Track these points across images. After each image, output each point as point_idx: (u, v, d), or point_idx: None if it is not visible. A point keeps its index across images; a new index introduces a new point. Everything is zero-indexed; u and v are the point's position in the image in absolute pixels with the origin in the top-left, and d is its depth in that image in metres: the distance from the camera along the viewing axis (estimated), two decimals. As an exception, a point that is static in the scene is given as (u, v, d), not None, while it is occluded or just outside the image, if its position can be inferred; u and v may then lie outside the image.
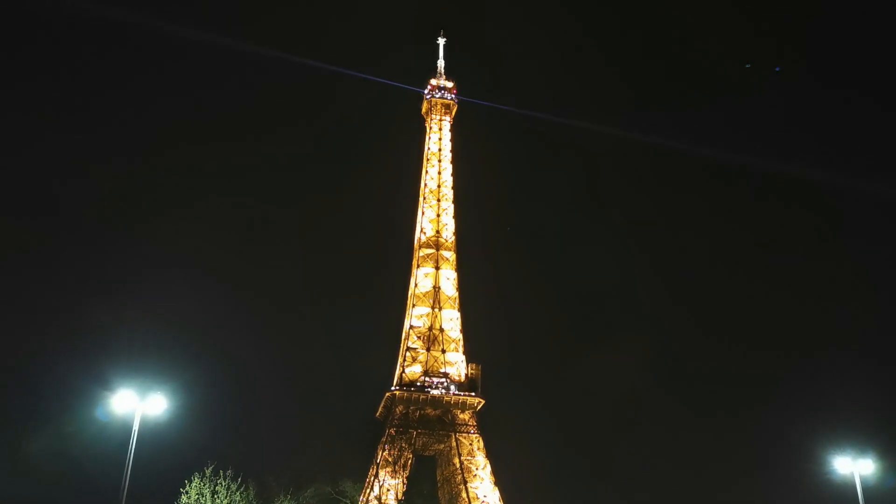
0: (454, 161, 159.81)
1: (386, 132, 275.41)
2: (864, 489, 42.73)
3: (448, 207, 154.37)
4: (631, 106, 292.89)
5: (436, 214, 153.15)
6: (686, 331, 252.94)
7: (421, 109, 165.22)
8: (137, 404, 37.48)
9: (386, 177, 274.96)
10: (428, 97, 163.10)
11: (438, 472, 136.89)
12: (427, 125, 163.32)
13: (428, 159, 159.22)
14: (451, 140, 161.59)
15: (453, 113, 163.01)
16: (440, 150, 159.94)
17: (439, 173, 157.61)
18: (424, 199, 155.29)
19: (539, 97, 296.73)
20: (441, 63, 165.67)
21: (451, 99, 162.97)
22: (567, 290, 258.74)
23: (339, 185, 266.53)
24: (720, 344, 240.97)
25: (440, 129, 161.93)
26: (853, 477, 43.18)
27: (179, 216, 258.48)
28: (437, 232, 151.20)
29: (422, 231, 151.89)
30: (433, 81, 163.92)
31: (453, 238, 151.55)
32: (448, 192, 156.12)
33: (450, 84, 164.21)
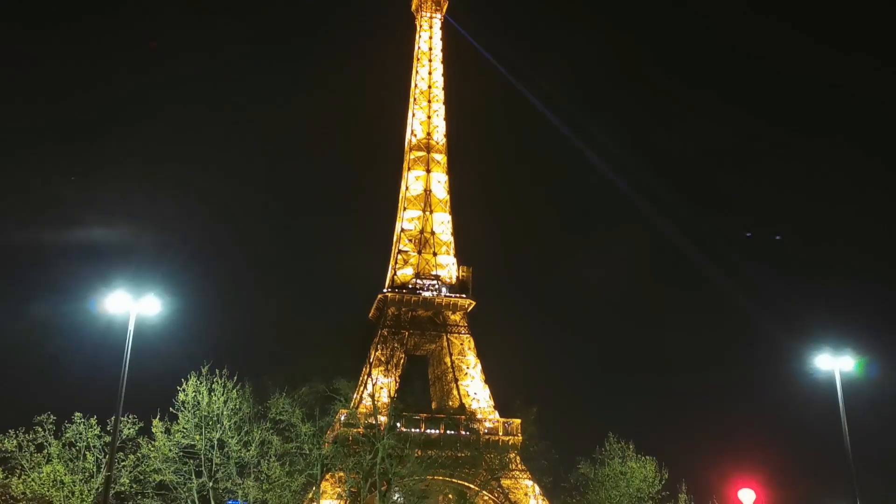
0: (445, 61, 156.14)
1: (374, 29, 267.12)
2: (850, 385, 43.96)
3: (439, 109, 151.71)
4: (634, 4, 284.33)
5: (426, 116, 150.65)
6: (679, 223, 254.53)
7: (410, 6, 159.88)
8: (132, 304, 37.73)
9: (376, 76, 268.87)
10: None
11: (430, 370, 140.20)
12: (417, 23, 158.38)
13: (418, 59, 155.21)
14: (441, 39, 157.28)
15: (444, 9, 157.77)
16: (431, 49, 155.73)
17: (430, 73, 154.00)
18: (415, 100, 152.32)
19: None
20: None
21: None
22: (558, 188, 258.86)
23: (329, 86, 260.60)
24: (714, 234, 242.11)
25: (430, 28, 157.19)
26: (834, 373, 44.18)
27: (166, 116, 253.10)
28: (428, 134, 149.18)
29: (412, 133, 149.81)
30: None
31: (444, 140, 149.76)
32: (439, 94, 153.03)
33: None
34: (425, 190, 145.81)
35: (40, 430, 44.22)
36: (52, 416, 44.64)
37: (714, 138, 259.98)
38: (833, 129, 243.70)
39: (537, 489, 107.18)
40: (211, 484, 49.35)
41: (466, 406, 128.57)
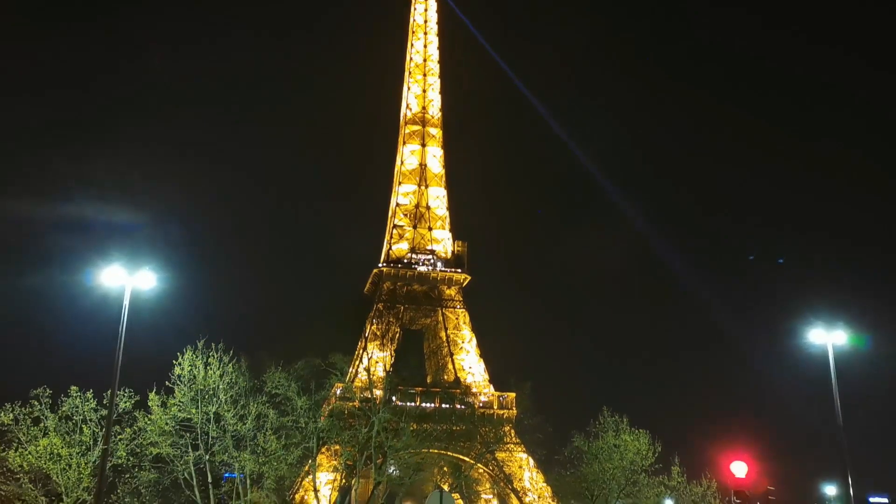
0: (441, 35, 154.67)
1: (372, 20, 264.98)
2: (844, 358, 44.15)
3: (434, 83, 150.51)
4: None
5: (421, 90, 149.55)
6: (668, 211, 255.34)
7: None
8: (127, 278, 37.65)
9: (371, 56, 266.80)
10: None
11: (425, 345, 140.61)
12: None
13: (413, 32, 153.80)
14: (437, 11, 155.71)
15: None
16: (426, 22, 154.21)
17: (425, 47, 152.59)
18: (410, 73, 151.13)
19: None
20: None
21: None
22: (554, 175, 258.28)
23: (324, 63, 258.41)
24: (704, 221, 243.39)
25: (426, 0, 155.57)
26: (827, 348, 44.35)
27: (161, 92, 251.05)
28: (423, 108, 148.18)
29: (407, 107, 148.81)
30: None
31: (439, 114, 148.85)
32: (434, 67, 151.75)
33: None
34: (420, 164, 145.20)
35: (37, 403, 44.19)
36: (48, 390, 44.61)
37: (714, 138, 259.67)
38: (833, 129, 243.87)
39: (532, 462, 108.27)
40: (207, 457, 49.56)
41: (461, 380, 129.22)
